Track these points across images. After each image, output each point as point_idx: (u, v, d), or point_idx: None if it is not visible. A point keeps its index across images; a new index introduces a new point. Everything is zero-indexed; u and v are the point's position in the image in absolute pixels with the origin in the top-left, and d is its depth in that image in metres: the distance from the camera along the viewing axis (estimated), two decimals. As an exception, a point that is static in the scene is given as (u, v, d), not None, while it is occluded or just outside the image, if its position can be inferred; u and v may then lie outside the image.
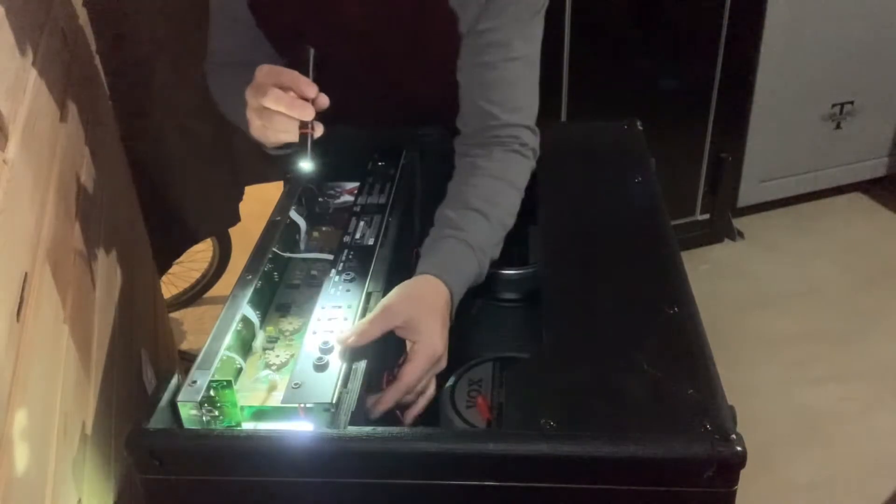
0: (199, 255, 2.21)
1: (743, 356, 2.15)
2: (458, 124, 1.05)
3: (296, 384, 0.74)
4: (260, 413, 0.75)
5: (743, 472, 0.65)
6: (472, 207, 0.95)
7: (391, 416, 0.87)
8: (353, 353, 0.78)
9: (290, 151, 0.92)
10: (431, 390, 0.86)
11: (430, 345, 0.83)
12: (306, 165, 0.86)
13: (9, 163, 0.78)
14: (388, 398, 0.81)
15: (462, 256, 0.92)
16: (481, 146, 1.01)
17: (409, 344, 0.84)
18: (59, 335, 0.85)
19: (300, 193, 1.03)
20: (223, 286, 2.26)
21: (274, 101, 0.84)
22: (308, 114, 0.85)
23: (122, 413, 1.04)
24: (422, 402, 0.85)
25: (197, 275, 2.29)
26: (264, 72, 0.86)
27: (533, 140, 1.02)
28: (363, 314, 0.83)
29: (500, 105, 1.00)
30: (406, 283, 0.88)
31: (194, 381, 0.72)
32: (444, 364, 0.86)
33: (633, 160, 1.08)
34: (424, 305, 0.85)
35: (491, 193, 0.97)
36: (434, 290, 0.87)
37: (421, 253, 0.94)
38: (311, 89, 0.85)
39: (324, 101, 0.87)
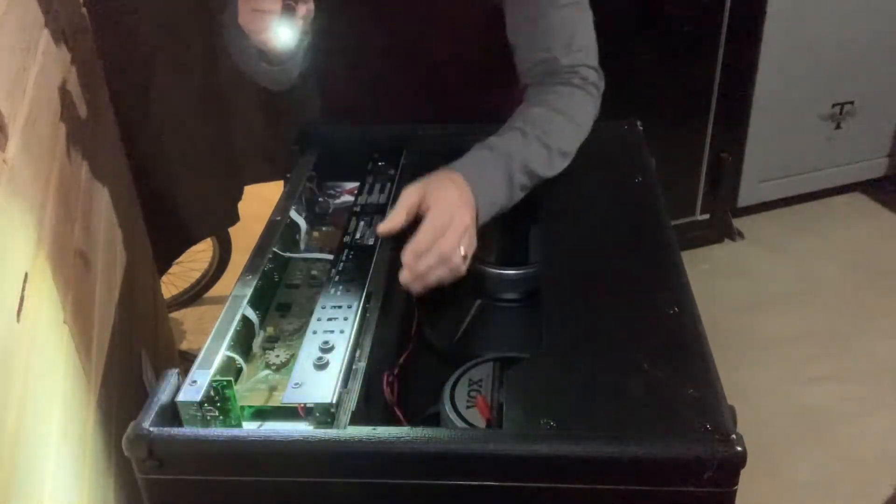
0: (199, 255, 2.21)
1: (743, 356, 2.15)
2: (523, 80, 1.07)
3: (296, 384, 0.74)
4: (260, 413, 0.75)
5: (743, 472, 0.65)
6: (509, 126, 0.98)
7: (391, 417, 0.87)
8: (355, 352, 0.78)
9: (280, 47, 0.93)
10: (457, 261, 0.86)
11: (441, 209, 0.85)
12: (286, 35, 0.89)
13: (9, 163, 0.78)
14: (408, 261, 0.83)
15: (486, 159, 0.94)
16: (541, 86, 1.03)
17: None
18: (59, 335, 0.85)
19: (300, 193, 1.03)
20: (223, 286, 2.26)
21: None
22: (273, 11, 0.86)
23: (122, 413, 1.04)
24: (444, 272, 0.85)
25: (197, 275, 2.29)
26: None
27: (596, 78, 1.04)
28: (363, 314, 0.83)
29: (559, 49, 1.03)
30: (448, 167, 0.92)
31: (194, 381, 0.72)
32: (468, 235, 0.87)
33: (633, 160, 1.08)
34: (437, 180, 0.89)
35: (534, 116, 0.99)
36: (448, 176, 0.91)
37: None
38: None
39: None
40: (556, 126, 0.99)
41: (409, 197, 0.88)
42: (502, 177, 0.94)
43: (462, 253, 0.87)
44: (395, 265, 0.93)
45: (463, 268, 0.88)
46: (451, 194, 0.88)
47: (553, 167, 0.99)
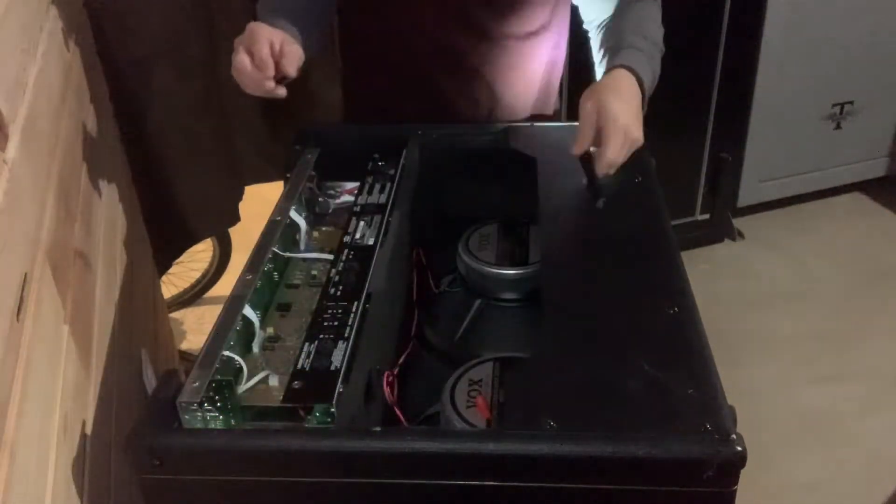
0: (199, 255, 2.21)
1: (743, 356, 2.15)
2: (595, 24, 1.19)
3: (296, 384, 0.74)
4: (260, 413, 0.75)
5: (743, 472, 0.65)
6: (635, 34, 1.09)
7: (391, 417, 0.87)
8: (358, 353, 0.78)
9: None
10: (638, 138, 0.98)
11: (619, 128, 0.96)
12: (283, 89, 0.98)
13: (9, 163, 0.78)
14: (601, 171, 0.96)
15: (642, 59, 1.06)
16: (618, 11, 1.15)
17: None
18: (59, 335, 0.85)
19: (300, 193, 1.03)
20: (223, 286, 2.26)
21: (236, 67, 0.97)
22: (259, 90, 0.98)
23: (122, 413, 1.04)
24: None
25: (197, 275, 2.29)
26: (248, 32, 0.98)
27: None
28: (363, 314, 0.83)
29: None
30: (607, 75, 1.04)
31: (194, 381, 0.72)
32: (639, 140, 0.99)
33: (633, 160, 1.08)
34: (612, 92, 0.99)
35: (637, 26, 1.11)
36: (627, 80, 1.02)
37: (601, 60, 1.13)
38: (268, 68, 0.96)
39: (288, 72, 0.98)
40: (655, 31, 1.13)
41: (590, 115, 0.98)
42: (650, 75, 1.07)
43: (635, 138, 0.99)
44: (395, 265, 0.93)
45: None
46: (624, 108, 0.98)
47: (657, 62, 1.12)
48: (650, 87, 1.07)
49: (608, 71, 1.05)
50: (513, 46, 1.19)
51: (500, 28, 1.17)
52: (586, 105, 0.99)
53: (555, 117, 1.35)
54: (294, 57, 0.99)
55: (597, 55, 1.17)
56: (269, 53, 0.96)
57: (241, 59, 0.96)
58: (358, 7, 1.22)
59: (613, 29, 1.14)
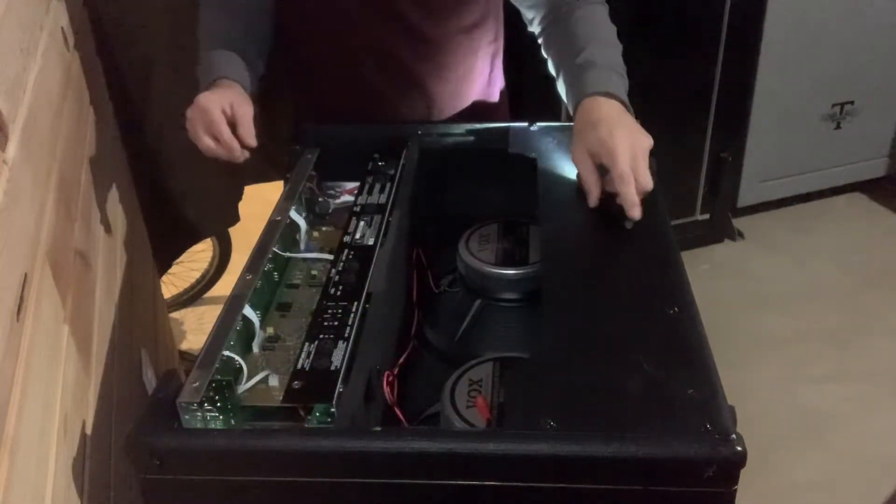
0: (199, 255, 2.21)
1: (743, 356, 2.15)
2: (533, 25, 1.16)
3: (296, 384, 0.74)
4: (260, 413, 0.75)
5: (743, 472, 0.65)
6: (589, 42, 1.05)
7: (391, 417, 0.87)
8: (358, 355, 0.78)
9: None
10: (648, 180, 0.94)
11: (621, 159, 0.91)
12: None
13: (9, 163, 0.78)
14: (628, 195, 0.91)
15: (605, 76, 1.02)
16: (559, 19, 1.11)
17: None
18: (59, 335, 0.85)
19: (300, 193, 1.03)
20: (223, 286, 2.26)
21: (206, 152, 1.05)
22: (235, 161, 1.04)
23: (122, 413, 1.04)
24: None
25: (197, 275, 2.29)
26: (198, 105, 1.03)
27: None
28: (363, 314, 0.83)
29: None
30: (578, 115, 1.00)
31: (194, 381, 0.72)
32: (645, 141, 0.95)
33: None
34: (590, 128, 0.96)
35: (593, 31, 1.08)
36: (598, 106, 0.98)
37: (564, 91, 1.07)
38: (234, 148, 1.03)
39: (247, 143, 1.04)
40: (609, 35, 1.09)
41: (582, 162, 0.96)
42: (619, 79, 1.03)
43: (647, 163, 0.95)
44: (396, 265, 0.93)
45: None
46: (620, 136, 0.94)
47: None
48: (624, 90, 1.03)
49: (578, 105, 1.01)
50: (446, 44, 1.20)
51: (433, 26, 1.17)
52: (576, 156, 0.98)
53: (501, 106, 1.36)
54: (247, 121, 1.04)
55: (554, 71, 1.12)
56: (230, 133, 1.02)
57: (208, 146, 1.04)
58: (286, 8, 1.21)
59: (564, 42, 1.09)
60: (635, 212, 0.91)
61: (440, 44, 1.19)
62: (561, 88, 1.09)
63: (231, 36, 1.14)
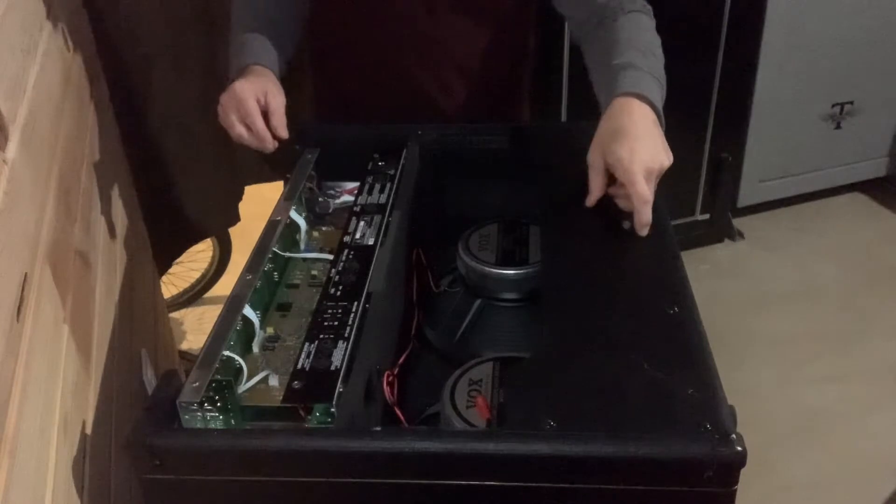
0: (199, 255, 2.21)
1: (743, 356, 2.15)
2: (576, 29, 1.14)
3: (296, 384, 0.74)
4: (260, 413, 0.75)
5: (743, 472, 0.65)
6: (629, 48, 1.02)
7: (391, 417, 0.87)
8: (358, 354, 0.78)
9: None
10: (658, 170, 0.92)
11: (629, 168, 0.89)
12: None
13: (9, 163, 0.78)
14: (643, 214, 0.89)
15: (643, 78, 0.98)
16: (603, 24, 1.08)
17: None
18: (59, 335, 0.85)
19: (300, 193, 1.03)
20: (223, 286, 2.26)
21: (238, 140, 1.06)
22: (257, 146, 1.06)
23: (122, 413, 1.04)
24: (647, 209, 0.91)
25: (197, 275, 2.29)
26: (233, 93, 1.03)
27: (644, 4, 1.10)
28: (363, 314, 0.83)
29: None
30: (606, 114, 0.96)
31: (194, 381, 0.72)
32: (663, 163, 0.91)
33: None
34: (614, 135, 0.92)
35: (636, 37, 1.05)
36: (630, 109, 0.94)
37: (598, 90, 1.03)
38: (266, 140, 1.05)
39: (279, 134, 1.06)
40: (650, 40, 1.06)
41: (595, 163, 0.94)
42: (655, 84, 0.99)
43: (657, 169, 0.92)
44: (396, 265, 0.93)
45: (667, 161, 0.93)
46: (634, 146, 0.91)
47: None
48: (661, 100, 0.99)
49: (609, 103, 0.98)
50: (478, 33, 1.20)
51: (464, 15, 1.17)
52: (592, 156, 0.95)
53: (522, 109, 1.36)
54: (281, 112, 1.05)
55: (590, 72, 1.09)
56: (264, 124, 1.04)
57: (241, 134, 1.05)
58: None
59: (604, 45, 1.06)
60: (645, 231, 0.90)
61: (468, 22, 1.19)
62: (597, 89, 1.05)
63: (269, 17, 1.14)
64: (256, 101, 1.03)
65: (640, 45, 1.03)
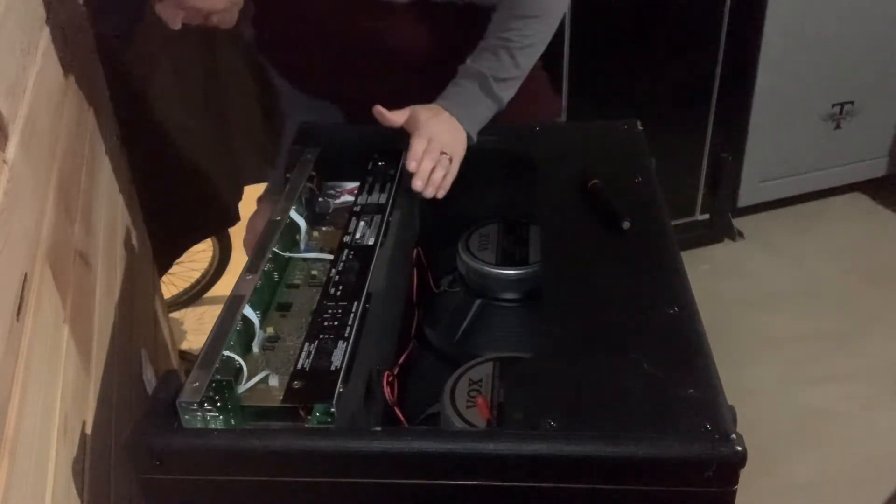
0: (199, 255, 2.21)
1: (743, 356, 2.15)
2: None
3: (296, 384, 0.74)
4: (260, 413, 0.75)
5: (743, 472, 0.65)
6: (481, 46, 1.13)
7: (391, 417, 0.87)
8: (357, 356, 0.78)
9: None
10: (445, 162, 1.05)
11: (422, 132, 1.04)
12: None
13: (9, 163, 0.78)
14: (412, 167, 1.02)
15: (465, 88, 1.11)
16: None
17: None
18: (59, 335, 0.85)
19: (300, 193, 1.03)
20: (223, 286, 2.26)
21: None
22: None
23: (122, 413, 1.04)
24: (440, 172, 1.04)
25: (197, 275, 2.29)
26: None
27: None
28: (363, 314, 0.83)
29: None
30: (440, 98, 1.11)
31: (194, 381, 0.72)
32: (446, 152, 1.05)
33: (633, 160, 1.08)
34: (425, 111, 1.07)
35: (496, 26, 1.13)
36: (435, 113, 1.08)
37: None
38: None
39: None
40: (515, 28, 1.13)
41: (404, 114, 1.07)
42: (483, 96, 1.12)
43: (448, 156, 1.06)
44: (396, 265, 0.93)
45: (454, 168, 1.06)
46: (435, 126, 1.06)
47: (523, 63, 1.14)
48: (477, 115, 1.11)
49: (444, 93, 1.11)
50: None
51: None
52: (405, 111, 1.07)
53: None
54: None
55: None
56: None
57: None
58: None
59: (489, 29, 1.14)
60: (415, 183, 1.02)
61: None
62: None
63: None
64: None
65: (504, 42, 1.12)
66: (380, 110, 1.06)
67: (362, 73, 1.19)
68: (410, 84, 1.14)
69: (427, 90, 1.14)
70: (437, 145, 1.05)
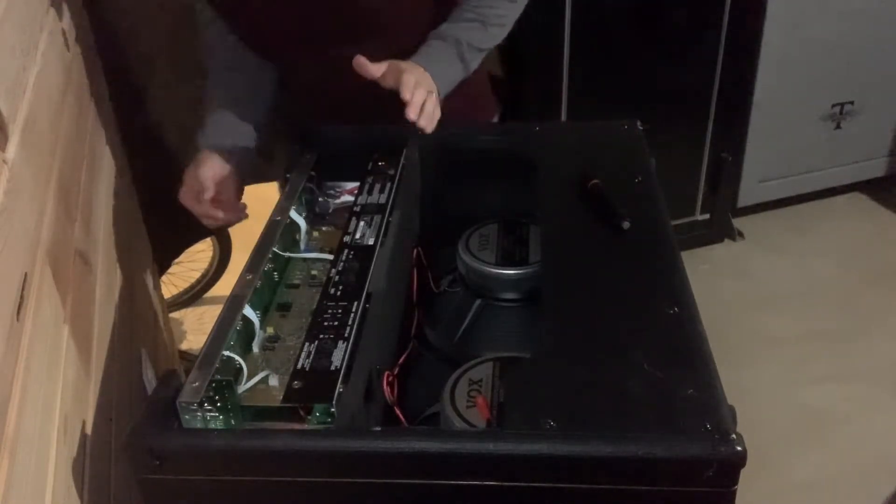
0: (199, 255, 2.21)
1: (743, 356, 2.15)
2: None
3: (296, 384, 0.74)
4: (260, 413, 0.75)
5: (743, 472, 0.65)
6: (458, 13, 1.18)
7: (391, 417, 0.87)
8: (357, 356, 0.78)
9: None
10: (436, 95, 1.09)
11: (412, 70, 1.07)
12: None
13: (9, 163, 0.78)
14: (407, 96, 1.04)
15: (439, 48, 1.15)
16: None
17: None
18: (59, 335, 0.85)
19: (300, 193, 1.03)
20: (223, 286, 2.26)
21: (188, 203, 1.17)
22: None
23: (122, 413, 1.04)
24: (432, 103, 1.08)
25: (197, 275, 2.29)
26: (192, 175, 1.19)
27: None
28: (363, 314, 0.83)
29: None
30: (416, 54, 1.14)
31: (194, 381, 0.72)
32: (429, 87, 1.08)
33: (633, 160, 1.08)
34: (402, 63, 1.10)
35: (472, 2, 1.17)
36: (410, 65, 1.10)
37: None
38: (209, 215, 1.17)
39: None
40: (491, 6, 1.18)
41: (383, 66, 1.08)
42: (457, 59, 1.16)
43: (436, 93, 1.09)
44: (396, 265, 0.93)
45: (438, 109, 1.10)
46: (418, 69, 1.10)
47: (493, 39, 1.20)
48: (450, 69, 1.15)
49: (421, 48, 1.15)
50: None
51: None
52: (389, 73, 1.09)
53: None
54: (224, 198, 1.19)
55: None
56: (207, 209, 1.17)
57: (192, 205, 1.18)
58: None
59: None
60: (409, 113, 1.04)
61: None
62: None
63: (237, 95, 1.24)
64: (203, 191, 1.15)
65: (478, 13, 1.17)
66: (360, 60, 1.06)
67: (330, 39, 1.18)
68: (378, 51, 1.13)
69: (396, 56, 1.14)
70: (426, 83, 1.07)
